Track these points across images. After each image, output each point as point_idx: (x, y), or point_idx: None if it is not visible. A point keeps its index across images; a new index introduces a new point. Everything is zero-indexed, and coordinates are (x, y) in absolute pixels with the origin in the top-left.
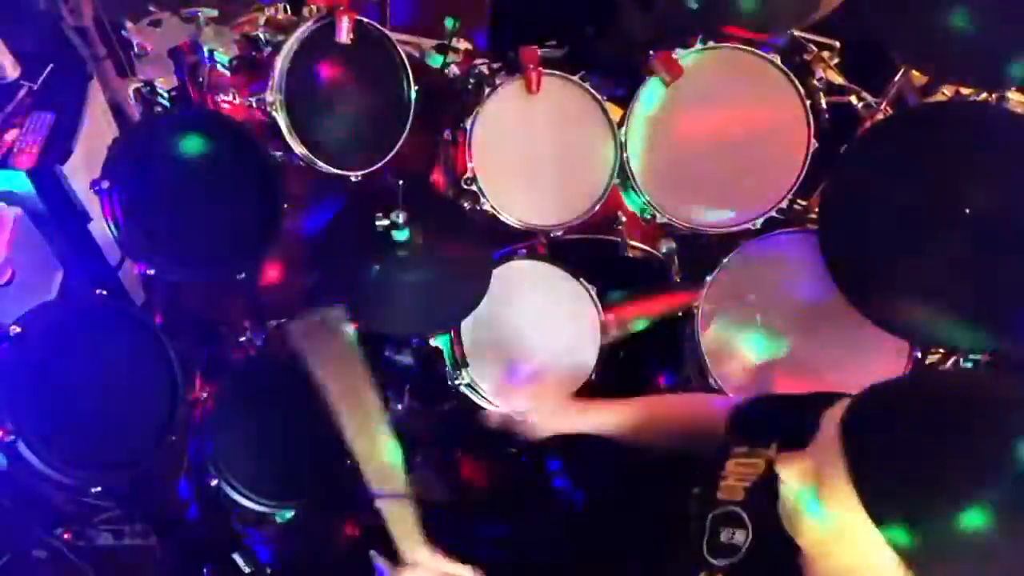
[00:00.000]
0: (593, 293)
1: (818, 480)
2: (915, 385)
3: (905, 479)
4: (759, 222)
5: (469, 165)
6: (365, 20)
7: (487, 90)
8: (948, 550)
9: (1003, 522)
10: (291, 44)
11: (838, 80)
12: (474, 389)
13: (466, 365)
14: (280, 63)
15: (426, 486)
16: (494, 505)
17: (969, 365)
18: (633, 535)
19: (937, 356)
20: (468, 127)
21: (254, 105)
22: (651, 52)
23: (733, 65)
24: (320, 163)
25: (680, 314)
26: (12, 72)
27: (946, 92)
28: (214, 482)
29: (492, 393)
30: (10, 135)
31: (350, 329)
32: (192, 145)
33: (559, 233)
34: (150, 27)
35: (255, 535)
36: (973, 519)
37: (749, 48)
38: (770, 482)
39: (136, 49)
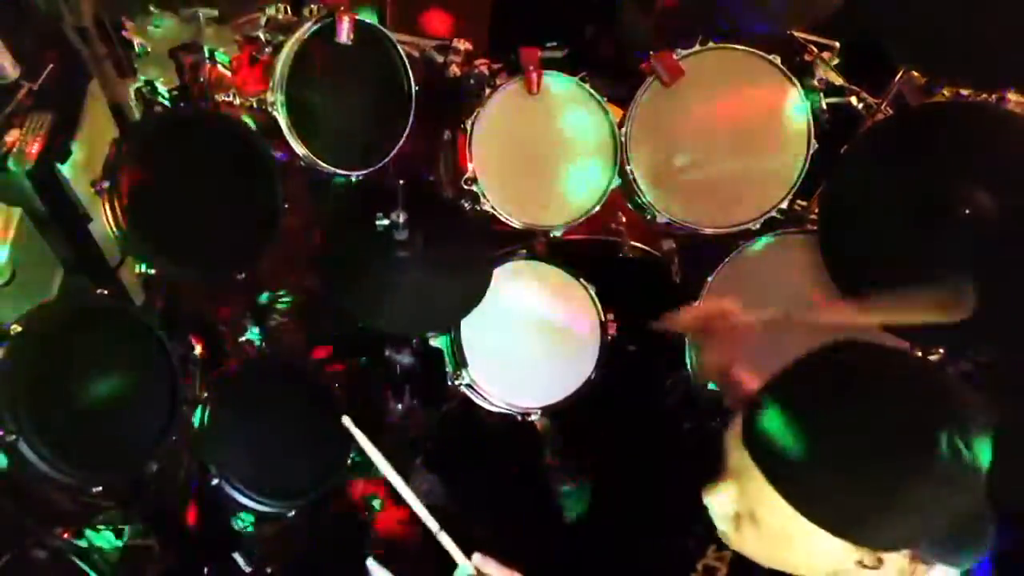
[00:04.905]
0: (593, 293)
1: (745, 498)
2: (796, 374)
3: (816, 466)
4: (759, 222)
5: (469, 165)
6: (365, 20)
7: (487, 90)
8: (871, 515)
9: (910, 482)
10: (292, 44)
11: (838, 80)
12: (474, 389)
13: (466, 365)
14: (280, 63)
15: (427, 490)
16: (495, 504)
17: (969, 366)
18: (645, 514)
19: (937, 356)
20: (468, 127)
21: (254, 105)
22: (651, 52)
23: (733, 65)
24: (321, 163)
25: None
26: (12, 72)
27: (946, 92)
28: (214, 482)
29: (496, 392)
30: (10, 135)
31: None
32: (192, 145)
33: (559, 233)
34: (150, 27)
35: None
36: (872, 485)
37: (749, 48)
38: None
39: (136, 49)
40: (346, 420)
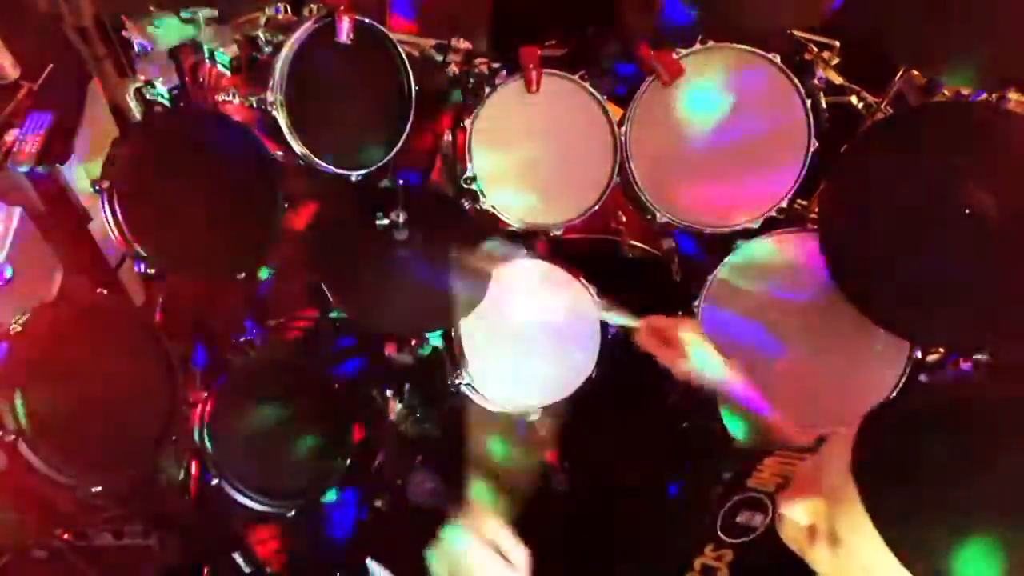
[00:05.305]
0: (593, 293)
1: (833, 520)
2: (922, 408)
3: (931, 515)
4: (759, 222)
5: (469, 165)
6: (365, 20)
7: (487, 90)
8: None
9: None
10: (291, 44)
11: (838, 80)
12: (474, 389)
13: (466, 365)
14: (280, 63)
15: (427, 489)
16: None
17: (968, 365)
18: (642, 512)
19: (937, 356)
20: (468, 127)
21: (254, 105)
22: (651, 52)
23: (733, 65)
24: (320, 163)
25: (680, 314)
26: (12, 72)
27: (946, 92)
28: (214, 482)
29: (496, 392)
30: (10, 135)
31: None
32: (192, 145)
33: (559, 233)
34: (150, 27)
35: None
36: (1006, 546)
37: (749, 48)
38: None
39: (136, 49)
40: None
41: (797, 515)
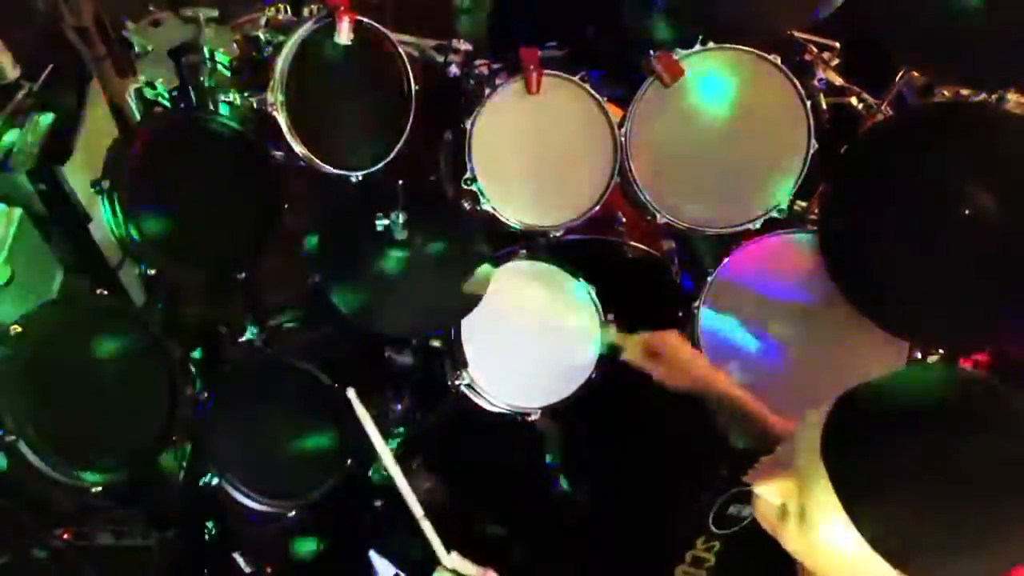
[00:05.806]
0: (593, 293)
1: (802, 499)
2: (892, 389)
3: (896, 493)
4: (759, 222)
5: (469, 165)
6: (365, 20)
7: (487, 90)
8: (947, 556)
9: (997, 524)
10: (292, 44)
11: (838, 80)
12: (474, 389)
13: (466, 365)
14: (281, 63)
15: (426, 489)
16: (496, 504)
17: (968, 366)
18: (638, 507)
19: (937, 356)
20: (468, 127)
21: (255, 105)
22: (651, 52)
23: (733, 65)
24: (321, 164)
25: (680, 314)
26: (12, 72)
27: (946, 92)
28: (214, 482)
29: (496, 392)
30: (10, 135)
31: None
32: (192, 145)
33: (559, 233)
34: (150, 27)
35: None
36: (967, 525)
37: (749, 48)
38: None
39: (136, 49)
40: (350, 392)
41: (770, 494)
